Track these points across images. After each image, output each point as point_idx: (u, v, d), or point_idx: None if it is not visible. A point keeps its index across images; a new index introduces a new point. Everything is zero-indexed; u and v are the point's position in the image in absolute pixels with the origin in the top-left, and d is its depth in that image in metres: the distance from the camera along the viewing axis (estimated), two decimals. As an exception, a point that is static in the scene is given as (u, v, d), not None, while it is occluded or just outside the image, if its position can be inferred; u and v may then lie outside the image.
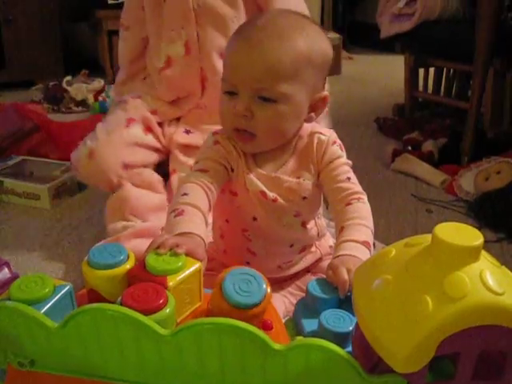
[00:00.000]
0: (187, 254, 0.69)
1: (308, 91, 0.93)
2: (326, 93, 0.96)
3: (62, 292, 0.66)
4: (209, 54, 1.44)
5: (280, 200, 0.96)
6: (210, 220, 1.04)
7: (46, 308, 0.62)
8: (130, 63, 1.61)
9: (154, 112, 1.51)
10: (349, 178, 0.96)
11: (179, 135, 1.49)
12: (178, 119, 1.54)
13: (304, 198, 0.97)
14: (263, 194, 0.96)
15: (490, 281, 0.51)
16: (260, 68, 0.88)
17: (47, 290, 0.65)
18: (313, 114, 0.96)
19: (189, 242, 0.73)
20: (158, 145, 1.49)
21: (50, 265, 1.32)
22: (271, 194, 0.95)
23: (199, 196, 0.89)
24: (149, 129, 1.48)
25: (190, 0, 1.42)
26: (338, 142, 0.99)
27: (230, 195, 0.99)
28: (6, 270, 0.75)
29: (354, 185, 0.96)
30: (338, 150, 0.98)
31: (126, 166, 1.39)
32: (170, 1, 1.43)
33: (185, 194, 0.88)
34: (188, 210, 0.85)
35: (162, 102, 1.53)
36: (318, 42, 0.92)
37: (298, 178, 0.97)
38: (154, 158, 1.49)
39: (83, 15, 3.39)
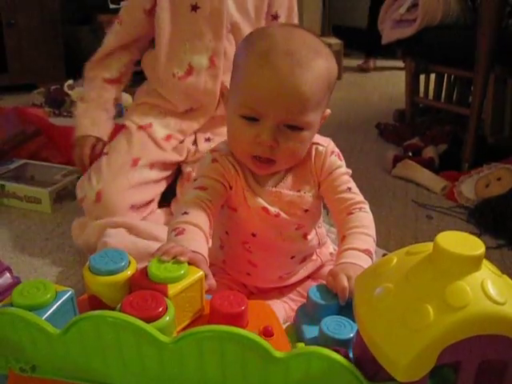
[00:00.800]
0: (190, 263, 0.69)
1: (322, 112, 0.92)
2: (328, 110, 0.95)
3: (64, 298, 0.66)
4: None
5: (282, 215, 0.95)
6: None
7: (47, 314, 0.63)
8: (111, 53, 1.60)
9: (168, 138, 1.50)
10: (349, 188, 0.96)
11: (203, 145, 1.50)
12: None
13: (306, 210, 0.97)
14: (265, 209, 0.94)
15: (492, 290, 0.52)
16: (293, 100, 0.84)
17: (49, 295, 0.65)
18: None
19: (193, 253, 0.73)
20: (164, 174, 1.49)
21: (51, 269, 1.32)
22: (273, 210, 0.95)
23: (200, 215, 0.88)
24: (155, 164, 1.47)
25: (224, 17, 1.42)
26: (336, 151, 0.98)
27: (229, 210, 0.98)
28: (8, 275, 0.75)
29: (355, 194, 0.96)
30: (336, 160, 0.97)
31: (133, 207, 1.40)
32: (203, 13, 1.42)
33: (185, 213, 0.87)
34: (189, 229, 0.84)
35: (173, 124, 1.52)
36: (333, 64, 0.90)
37: (299, 191, 0.96)
38: (161, 188, 1.49)
39: (85, 19, 3.39)
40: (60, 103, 2.77)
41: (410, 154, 2.13)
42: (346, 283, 0.76)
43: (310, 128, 0.88)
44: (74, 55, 3.41)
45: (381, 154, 2.21)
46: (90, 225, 1.36)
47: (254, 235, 0.98)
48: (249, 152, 0.89)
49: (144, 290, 0.63)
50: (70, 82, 2.88)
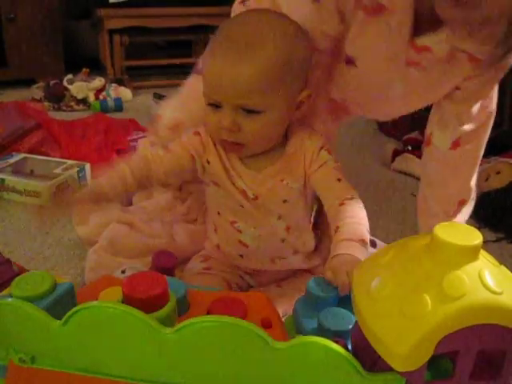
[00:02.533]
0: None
1: (291, 94, 0.93)
2: (307, 91, 0.95)
3: (63, 289, 0.67)
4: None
5: (260, 199, 0.98)
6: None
7: (46, 305, 0.63)
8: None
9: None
10: (339, 180, 0.97)
11: None
12: None
13: (285, 201, 0.99)
14: (243, 192, 0.98)
15: (489, 280, 0.52)
16: (242, 84, 0.87)
17: (48, 287, 0.65)
18: (297, 112, 0.97)
19: None
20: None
21: (51, 262, 1.32)
22: (251, 193, 0.98)
23: (136, 162, 0.96)
24: None
25: None
26: (326, 146, 1.00)
27: (214, 186, 1.01)
28: (8, 267, 0.75)
29: (345, 184, 0.97)
30: (326, 154, 0.98)
31: None
32: None
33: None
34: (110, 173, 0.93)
35: None
36: (295, 44, 0.91)
37: (282, 180, 0.98)
38: None
39: (84, 14, 3.38)
40: (59, 98, 2.77)
41: (410, 147, 2.12)
42: (346, 277, 0.77)
43: (272, 110, 0.90)
44: (73, 50, 3.41)
45: (380, 147, 2.21)
46: (94, 220, 1.36)
47: (241, 206, 1.00)
48: (217, 136, 0.94)
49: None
50: (70, 76, 2.87)
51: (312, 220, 1.10)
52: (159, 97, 2.53)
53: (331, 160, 0.98)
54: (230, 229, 1.04)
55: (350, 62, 0.99)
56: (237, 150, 0.94)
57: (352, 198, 0.94)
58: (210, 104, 0.92)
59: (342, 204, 0.93)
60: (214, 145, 0.98)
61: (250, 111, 0.89)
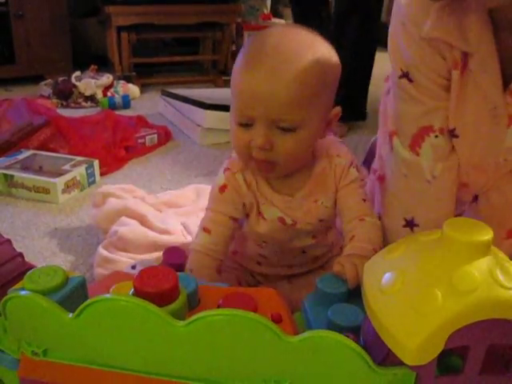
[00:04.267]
0: None
1: (324, 111, 0.90)
2: (338, 108, 0.93)
3: (75, 283, 0.67)
4: None
5: (299, 224, 0.96)
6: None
7: (59, 298, 0.64)
8: None
9: None
10: (364, 200, 0.96)
11: None
12: None
13: (321, 220, 0.97)
14: (282, 220, 0.95)
15: (500, 275, 0.52)
16: (281, 100, 0.83)
17: (61, 280, 0.66)
18: (326, 131, 0.94)
19: None
20: None
21: (60, 258, 1.32)
22: (289, 220, 0.95)
23: (203, 263, 0.93)
24: None
25: None
26: (355, 162, 0.98)
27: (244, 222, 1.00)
28: (20, 260, 0.76)
29: (369, 205, 0.97)
30: (354, 172, 0.96)
31: None
32: None
33: (190, 270, 0.91)
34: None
35: None
36: (330, 59, 0.89)
37: (316, 201, 0.96)
38: None
39: (92, 11, 3.39)
40: (67, 94, 2.78)
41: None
42: (354, 270, 0.77)
43: (306, 128, 0.87)
44: (81, 47, 3.42)
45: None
46: (109, 204, 1.39)
47: (265, 242, 1.00)
48: (248, 156, 0.89)
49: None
50: (78, 73, 2.88)
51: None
52: (168, 94, 2.53)
53: (358, 179, 0.97)
54: (250, 244, 1.03)
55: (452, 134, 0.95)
56: (268, 169, 0.90)
57: (373, 218, 0.94)
58: (240, 124, 0.88)
59: (362, 220, 0.93)
60: (245, 182, 0.95)
61: (283, 129, 0.86)
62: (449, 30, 0.83)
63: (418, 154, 0.95)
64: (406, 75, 0.91)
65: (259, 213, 0.96)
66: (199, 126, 2.21)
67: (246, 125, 0.87)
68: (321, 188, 0.96)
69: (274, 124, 0.85)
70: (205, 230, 0.94)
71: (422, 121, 0.94)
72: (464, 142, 0.91)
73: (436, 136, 0.93)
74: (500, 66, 0.83)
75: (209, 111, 2.17)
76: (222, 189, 0.95)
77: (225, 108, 2.09)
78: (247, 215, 0.98)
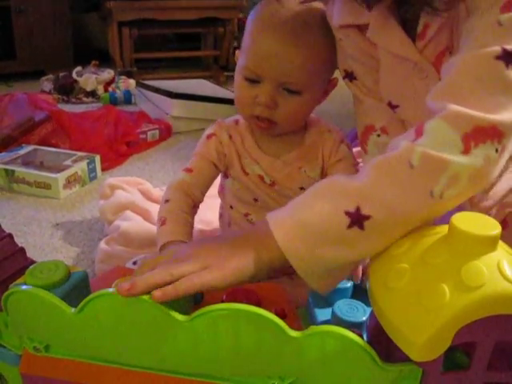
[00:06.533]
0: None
1: (326, 79, 0.95)
2: (336, 78, 0.97)
3: (78, 277, 0.67)
4: None
5: (278, 185, 0.98)
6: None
7: (61, 293, 0.63)
8: None
9: None
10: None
11: None
12: None
13: (301, 188, 0.99)
14: (260, 177, 0.98)
15: (508, 270, 0.51)
16: (293, 64, 0.87)
17: (63, 275, 0.66)
18: (323, 98, 0.98)
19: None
20: None
21: (61, 254, 1.32)
22: (268, 179, 0.98)
23: (180, 200, 0.92)
24: None
25: None
26: (346, 141, 1.00)
27: (231, 179, 1.02)
28: (22, 256, 0.75)
29: None
30: (346, 149, 0.99)
31: None
32: None
33: (167, 201, 0.92)
34: (170, 218, 0.88)
35: None
36: (331, 31, 0.91)
37: (299, 168, 0.98)
38: None
39: (93, 6, 3.39)
40: (69, 90, 2.77)
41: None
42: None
43: (310, 92, 0.91)
44: (82, 42, 3.42)
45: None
46: (116, 197, 1.41)
47: (255, 200, 1.01)
48: (250, 111, 0.92)
49: None
50: (79, 68, 2.88)
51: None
52: (142, 85, 2.53)
53: (351, 157, 0.99)
54: (243, 221, 1.05)
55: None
56: (268, 127, 0.93)
57: None
58: (247, 79, 0.91)
59: None
60: (230, 136, 0.98)
61: (289, 90, 0.89)
62: (345, 13, 0.84)
63: (366, 152, 0.97)
64: (348, 75, 0.93)
65: (242, 167, 0.99)
66: (167, 114, 2.27)
67: (253, 81, 0.90)
68: (307, 158, 0.99)
69: (281, 85, 0.88)
70: (186, 170, 0.97)
71: (365, 120, 0.95)
72: (405, 109, 0.90)
73: (378, 135, 0.94)
74: (401, 23, 0.80)
75: (175, 100, 2.25)
76: (209, 136, 0.99)
77: (191, 97, 2.26)
78: (227, 174, 1.01)
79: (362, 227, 0.59)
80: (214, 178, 1.00)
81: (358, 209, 0.59)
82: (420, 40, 0.78)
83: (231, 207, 1.06)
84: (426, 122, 0.60)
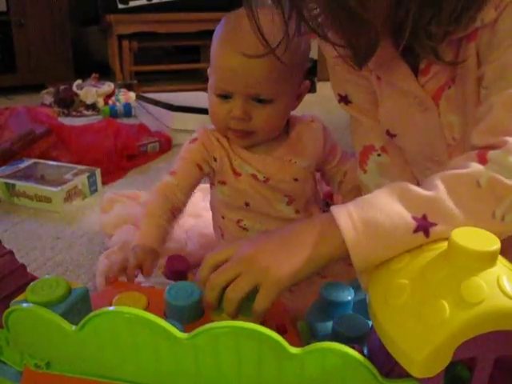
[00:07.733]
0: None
1: (296, 84, 0.97)
2: (307, 82, 0.99)
3: (78, 294, 0.67)
4: None
5: (272, 180, 1.00)
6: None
7: (62, 310, 0.63)
8: None
9: None
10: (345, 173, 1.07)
11: None
12: None
13: (295, 179, 1.01)
14: (254, 176, 1.00)
15: (507, 286, 0.51)
16: (257, 75, 0.89)
17: (63, 292, 0.65)
18: (297, 103, 1.01)
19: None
20: None
21: (62, 267, 1.32)
22: (262, 176, 0.99)
23: (157, 203, 0.95)
24: None
25: None
26: (327, 129, 1.06)
27: (220, 186, 1.02)
28: (23, 272, 0.75)
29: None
30: (331, 135, 1.05)
31: None
32: None
33: (145, 204, 0.97)
34: (144, 221, 0.93)
35: None
36: (299, 39, 0.90)
37: (290, 160, 1.01)
38: None
39: (93, 19, 3.40)
40: (69, 103, 2.78)
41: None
42: None
43: (281, 99, 0.93)
44: (82, 55, 3.43)
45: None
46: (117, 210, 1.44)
47: (247, 204, 1.02)
48: (225, 126, 0.95)
49: None
50: (79, 81, 2.89)
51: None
52: (142, 98, 2.54)
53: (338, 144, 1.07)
54: (235, 229, 1.05)
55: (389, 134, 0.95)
56: (245, 138, 0.96)
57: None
58: (219, 96, 0.93)
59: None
60: (217, 140, 0.99)
61: (260, 100, 0.91)
62: None
63: (364, 172, 0.99)
64: (343, 99, 0.97)
65: (233, 169, 1.00)
66: (168, 127, 2.29)
67: (225, 97, 0.93)
68: (296, 150, 1.02)
69: (251, 97, 0.91)
70: (170, 172, 0.99)
71: (365, 140, 0.98)
72: (403, 138, 0.92)
73: (379, 155, 0.97)
74: (403, 56, 0.81)
75: (175, 113, 2.27)
76: (193, 141, 1.01)
77: (192, 110, 2.25)
78: (215, 182, 1.02)
79: (427, 234, 0.60)
80: (198, 180, 1.01)
81: (424, 216, 0.60)
82: (423, 76, 0.80)
83: (223, 217, 1.06)
84: (488, 152, 0.63)
